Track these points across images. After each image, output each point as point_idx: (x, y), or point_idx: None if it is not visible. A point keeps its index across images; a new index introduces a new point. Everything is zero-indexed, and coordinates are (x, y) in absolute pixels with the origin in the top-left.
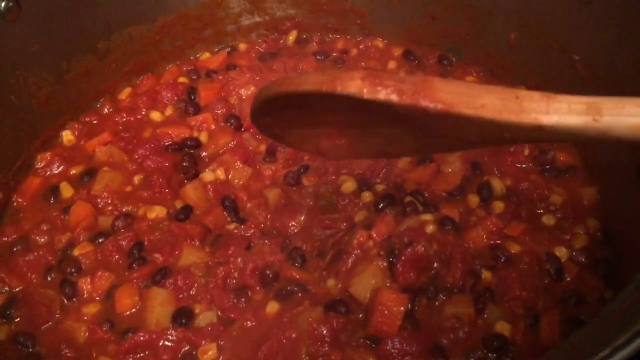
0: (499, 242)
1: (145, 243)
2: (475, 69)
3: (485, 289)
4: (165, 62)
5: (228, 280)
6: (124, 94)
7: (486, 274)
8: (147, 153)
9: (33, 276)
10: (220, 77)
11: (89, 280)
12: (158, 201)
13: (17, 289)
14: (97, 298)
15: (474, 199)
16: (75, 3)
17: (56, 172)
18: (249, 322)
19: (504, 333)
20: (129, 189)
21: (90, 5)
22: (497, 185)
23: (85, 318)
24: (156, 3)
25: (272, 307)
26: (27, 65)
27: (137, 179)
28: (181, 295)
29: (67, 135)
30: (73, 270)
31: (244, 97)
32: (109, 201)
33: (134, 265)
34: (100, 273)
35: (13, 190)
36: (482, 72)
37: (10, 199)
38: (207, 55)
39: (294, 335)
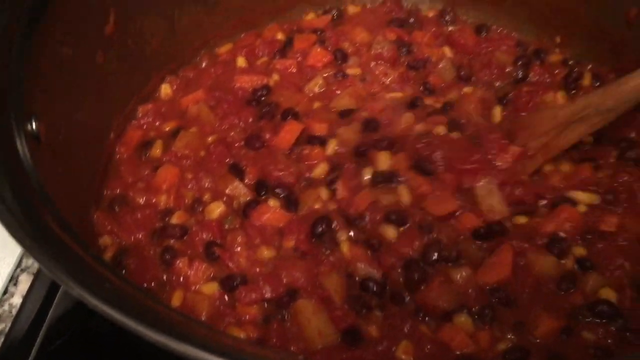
0: None
1: None
2: None
3: None
4: (269, 20)
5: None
6: (224, 48)
7: None
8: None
9: (140, 235)
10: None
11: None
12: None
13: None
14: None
15: None
16: None
17: (153, 126)
18: None
19: None
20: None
21: None
22: None
23: None
24: None
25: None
26: (145, 9)
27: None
28: None
29: (165, 89)
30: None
31: None
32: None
33: None
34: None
35: (118, 140)
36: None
37: (114, 150)
38: (311, 15)
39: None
